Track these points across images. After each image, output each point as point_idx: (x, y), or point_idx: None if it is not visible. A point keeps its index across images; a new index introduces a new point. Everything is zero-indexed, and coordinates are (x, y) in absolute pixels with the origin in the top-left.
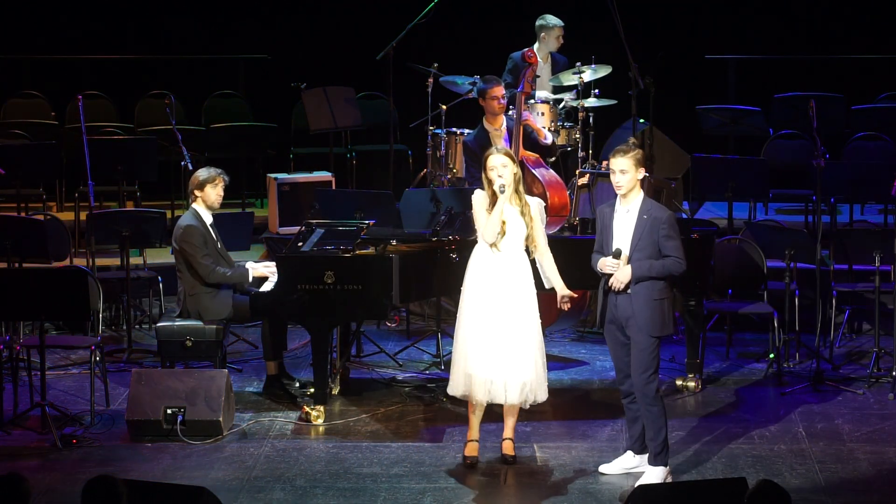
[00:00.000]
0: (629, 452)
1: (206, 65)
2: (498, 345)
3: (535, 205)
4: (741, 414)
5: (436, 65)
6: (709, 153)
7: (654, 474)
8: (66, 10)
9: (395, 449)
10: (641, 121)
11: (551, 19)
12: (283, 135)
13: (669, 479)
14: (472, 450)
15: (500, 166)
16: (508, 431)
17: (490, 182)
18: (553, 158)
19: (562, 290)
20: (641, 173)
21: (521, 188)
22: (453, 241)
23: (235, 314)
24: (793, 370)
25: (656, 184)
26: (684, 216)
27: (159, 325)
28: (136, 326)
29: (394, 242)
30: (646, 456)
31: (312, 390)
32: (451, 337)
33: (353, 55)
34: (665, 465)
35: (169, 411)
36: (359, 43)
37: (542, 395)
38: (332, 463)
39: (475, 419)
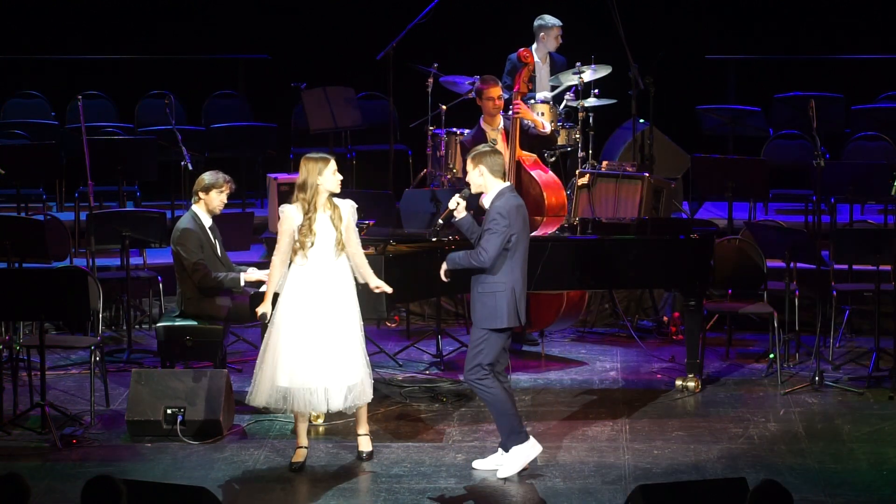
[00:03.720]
0: (500, 450)
1: (206, 65)
2: (317, 354)
3: (347, 206)
4: (741, 414)
5: (436, 65)
6: (709, 153)
7: (509, 460)
8: (65, 10)
9: (395, 449)
10: (641, 121)
11: (550, 19)
12: (283, 135)
13: (530, 458)
14: (298, 456)
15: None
16: (363, 428)
17: (322, 186)
18: (553, 157)
19: (374, 281)
20: (480, 170)
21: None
22: (453, 242)
23: (235, 314)
24: (793, 370)
25: (656, 183)
26: (684, 216)
27: (159, 325)
28: (136, 326)
29: (394, 242)
30: (525, 444)
31: None
32: (452, 337)
33: (353, 55)
34: (517, 444)
35: (169, 411)
36: (359, 43)
37: (367, 396)
38: (332, 463)
39: (301, 427)
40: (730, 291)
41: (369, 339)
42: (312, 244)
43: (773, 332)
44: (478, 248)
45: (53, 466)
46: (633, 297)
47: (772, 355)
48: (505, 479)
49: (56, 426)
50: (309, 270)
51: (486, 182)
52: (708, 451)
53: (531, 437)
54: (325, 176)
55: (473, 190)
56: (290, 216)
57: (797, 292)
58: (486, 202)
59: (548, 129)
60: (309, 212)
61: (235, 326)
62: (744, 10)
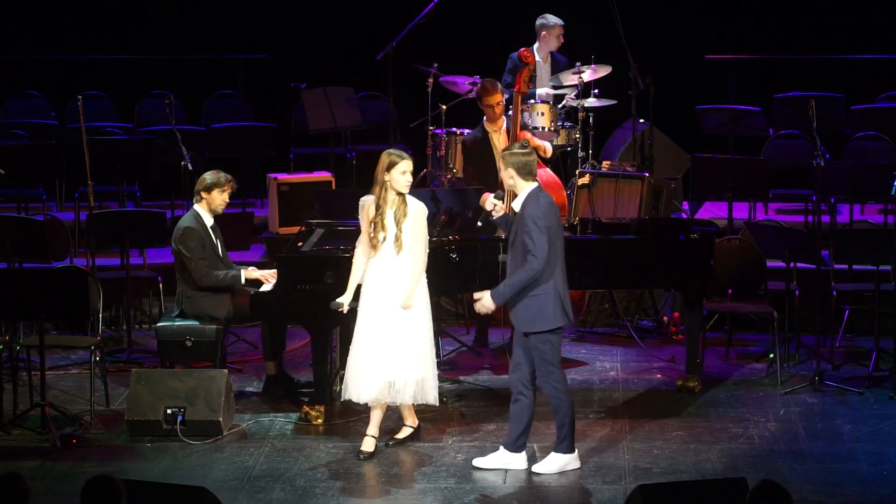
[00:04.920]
0: (502, 448)
1: (206, 65)
2: (376, 345)
3: (414, 207)
4: (741, 414)
5: (436, 65)
6: (709, 153)
7: (554, 461)
8: (65, 10)
9: (395, 449)
10: (641, 121)
11: (551, 18)
12: (283, 135)
13: (569, 469)
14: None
15: (410, 171)
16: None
17: (390, 183)
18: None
19: (405, 299)
20: (510, 172)
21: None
22: (453, 241)
23: (235, 314)
24: (793, 370)
25: (656, 184)
26: (684, 216)
27: (159, 325)
28: (136, 326)
29: None
30: (518, 454)
31: (312, 391)
32: (452, 337)
33: (353, 55)
34: (568, 452)
35: (169, 411)
36: (359, 43)
37: (429, 398)
38: (332, 463)
39: (374, 416)
40: (730, 291)
41: None
42: (385, 238)
43: (773, 332)
44: (525, 266)
45: (53, 466)
46: (633, 297)
47: (772, 355)
48: (539, 474)
49: (56, 426)
50: (377, 264)
51: (516, 183)
52: (708, 451)
53: (576, 450)
54: (393, 174)
55: (507, 189)
56: (367, 207)
57: (797, 292)
58: (516, 205)
59: (550, 151)
60: (380, 206)
61: (235, 326)
62: (744, 10)
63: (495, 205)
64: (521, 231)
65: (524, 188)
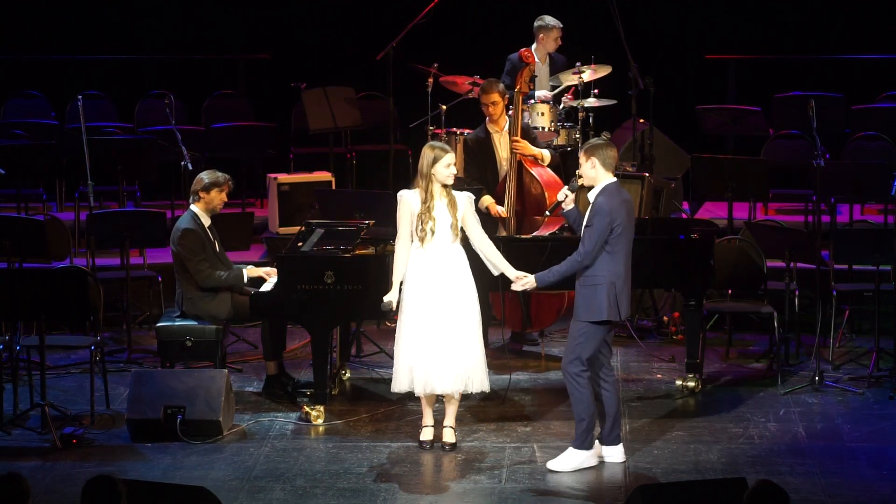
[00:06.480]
0: (597, 444)
1: (206, 65)
2: (434, 337)
3: (462, 198)
4: (741, 414)
5: (436, 65)
6: (709, 153)
7: (570, 458)
8: (65, 10)
9: (395, 449)
10: (641, 121)
11: (549, 20)
12: (283, 135)
13: (585, 466)
14: (425, 434)
15: (454, 164)
16: (449, 419)
17: (435, 177)
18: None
19: (511, 273)
20: (593, 162)
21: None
22: None
23: (235, 314)
24: (793, 370)
25: (656, 183)
26: (684, 216)
27: (159, 325)
28: (136, 326)
29: (393, 242)
30: (614, 447)
31: (311, 391)
32: None
33: (353, 55)
34: (585, 449)
35: (169, 411)
36: (359, 43)
37: (483, 385)
38: (332, 463)
39: (426, 408)
40: (730, 291)
41: (369, 338)
42: (433, 231)
43: (773, 332)
44: (574, 253)
45: (53, 466)
46: (633, 296)
47: (772, 355)
48: (554, 471)
49: (56, 426)
50: (427, 256)
51: (597, 174)
52: (708, 451)
53: (595, 446)
54: (437, 168)
55: (585, 182)
56: (407, 201)
57: (797, 292)
58: (591, 196)
59: (548, 159)
60: (426, 200)
61: (235, 326)
62: (744, 10)
63: (567, 195)
64: (586, 221)
65: (603, 180)
